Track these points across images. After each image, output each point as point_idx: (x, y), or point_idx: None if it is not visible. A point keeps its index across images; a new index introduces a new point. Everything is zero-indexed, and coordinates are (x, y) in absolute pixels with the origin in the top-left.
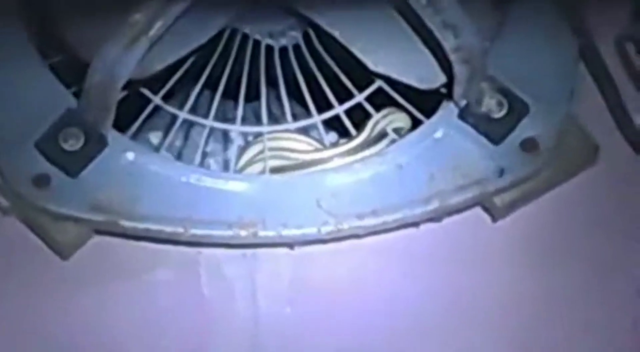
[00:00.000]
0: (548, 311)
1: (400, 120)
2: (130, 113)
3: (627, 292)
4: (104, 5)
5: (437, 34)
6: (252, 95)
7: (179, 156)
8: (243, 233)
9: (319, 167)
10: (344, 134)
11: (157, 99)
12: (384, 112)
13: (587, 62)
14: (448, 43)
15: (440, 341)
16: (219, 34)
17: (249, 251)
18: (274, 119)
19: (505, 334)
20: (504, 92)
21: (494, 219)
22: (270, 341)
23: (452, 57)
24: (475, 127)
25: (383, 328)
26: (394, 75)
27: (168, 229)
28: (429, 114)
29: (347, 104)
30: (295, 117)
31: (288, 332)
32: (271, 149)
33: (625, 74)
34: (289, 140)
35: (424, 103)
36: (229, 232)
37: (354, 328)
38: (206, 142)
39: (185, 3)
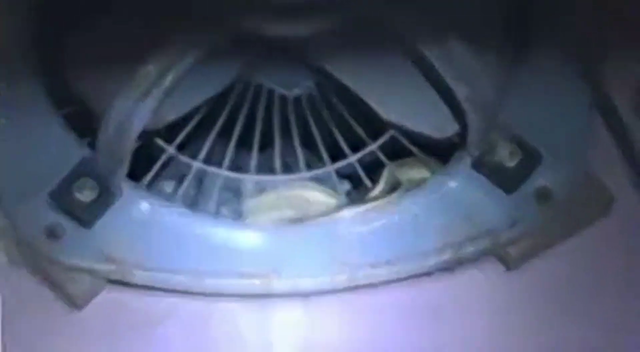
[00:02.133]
0: None
1: (415, 170)
2: (144, 163)
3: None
4: (116, 56)
5: (450, 83)
6: (266, 144)
7: (192, 205)
8: (257, 283)
9: (333, 216)
10: (357, 183)
11: (171, 149)
12: (397, 162)
13: (602, 114)
14: (461, 92)
15: None
16: (233, 84)
17: (262, 302)
18: (288, 168)
19: None
20: (518, 142)
21: (508, 269)
22: None
23: (465, 107)
24: (488, 176)
25: None
26: (407, 124)
27: (182, 279)
28: (442, 162)
29: (361, 153)
30: (308, 167)
31: None
32: (285, 198)
33: None
34: (303, 189)
35: (438, 152)
36: (243, 283)
37: None
38: (220, 192)
39: (198, 53)
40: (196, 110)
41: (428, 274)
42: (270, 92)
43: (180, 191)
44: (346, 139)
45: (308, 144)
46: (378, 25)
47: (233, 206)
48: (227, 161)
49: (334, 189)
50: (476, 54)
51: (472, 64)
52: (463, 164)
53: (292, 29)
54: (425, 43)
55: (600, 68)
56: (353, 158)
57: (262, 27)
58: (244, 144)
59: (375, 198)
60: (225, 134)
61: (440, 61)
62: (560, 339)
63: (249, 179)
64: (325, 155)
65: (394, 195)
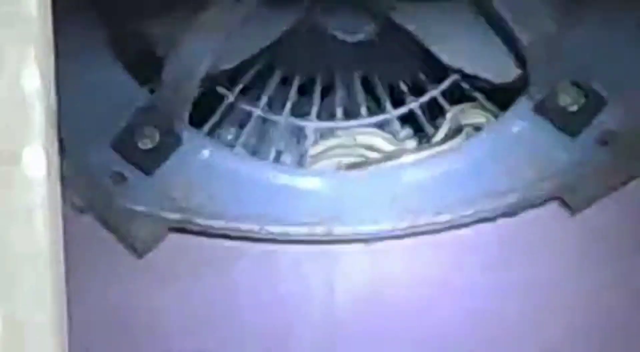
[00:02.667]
0: (629, 300)
1: (476, 115)
2: (205, 110)
3: None
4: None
5: (512, 28)
6: (328, 90)
7: (253, 153)
8: (319, 230)
9: (395, 162)
10: (419, 129)
11: (232, 96)
12: (459, 107)
13: None
14: (523, 37)
15: (520, 334)
16: (295, 29)
17: (325, 247)
18: (349, 114)
19: (585, 326)
20: (580, 85)
21: (572, 213)
22: (348, 337)
23: (527, 51)
24: (551, 121)
25: (460, 323)
26: (469, 69)
27: (244, 226)
28: (505, 108)
29: (422, 99)
30: (370, 113)
31: (366, 328)
32: (346, 145)
33: None
34: (364, 135)
35: (500, 97)
36: (305, 229)
37: (431, 322)
38: (281, 138)
39: None
40: (258, 56)
41: (492, 219)
42: (333, 37)
43: (242, 138)
44: (408, 85)
45: (369, 89)
46: None
47: (294, 152)
48: (288, 107)
49: (395, 134)
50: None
51: (535, 8)
52: (525, 108)
53: None
54: None
55: None
56: (414, 104)
57: None
58: (306, 90)
59: (437, 143)
60: (286, 80)
61: (502, 6)
62: (622, 278)
63: (310, 125)
64: (386, 101)
65: (456, 140)
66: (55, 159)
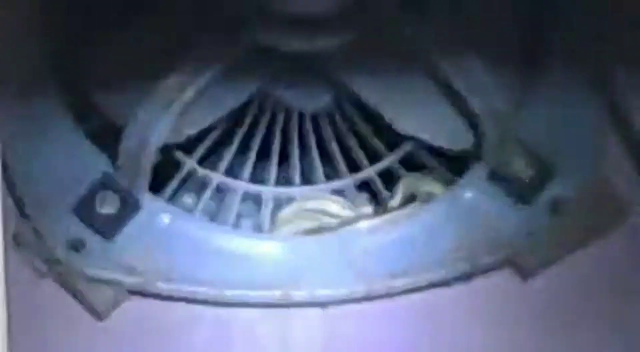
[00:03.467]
0: None
1: (431, 182)
2: (165, 176)
3: None
4: (137, 70)
5: (465, 96)
6: (285, 157)
7: (212, 218)
8: (276, 294)
9: (351, 227)
10: (374, 195)
11: (191, 162)
12: (414, 175)
13: (616, 125)
14: (476, 105)
15: None
16: (252, 98)
17: (282, 311)
18: (306, 180)
19: None
20: (533, 154)
21: (523, 279)
22: None
23: (480, 119)
24: (503, 188)
25: None
26: (424, 137)
27: (202, 290)
28: (459, 176)
29: (378, 166)
30: (327, 179)
31: None
32: (303, 210)
33: None
34: (321, 201)
35: (454, 165)
36: (263, 293)
37: None
38: (240, 205)
39: (217, 67)
40: (216, 124)
41: (445, 284)
42: (289, 107)
43: (201, 204)
44: (365, 153)
45: (326, 156)
46: (395, 39)
47: (253, 218)
48: (246, 174)
49: (351, 201)
50: (492, 68)
51: (488, 77)
52: (478, 175)
53: (310, 43)
54: (441, 57)
55: (614, 80)
56: (371, 170)
57: (279, 41)
58: (263, 157)
59: (392, 210)
60: (244, 147)
61: (456, 75)
62: (577, 347)
63: (268, 192)
64: (343, 168)
65: (411, 206)
66: None
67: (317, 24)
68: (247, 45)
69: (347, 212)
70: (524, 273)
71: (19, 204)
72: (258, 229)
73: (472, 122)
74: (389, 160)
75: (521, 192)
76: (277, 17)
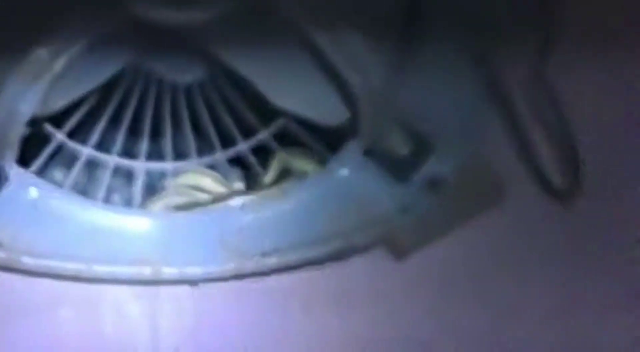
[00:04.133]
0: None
1: (305, 158)
2: (35, 149)
3: (526, 334)
4: (6, 40)
5: (342, 71)
6: (157, 131)
7: (83, 192)
8: (146, 271)
9: (223, 204)
10: (249, 171)
11: (61, 135)
12: (288, 150)
13: (494, 102)
14: (352, 80)
15: None
16: (124, 71)
17: (151, 289)
18: (179, 155)
19: None
20: (410, 130)
21: (398, 258)
22: None
23: (357, 94)
24: (380, 164)
25: None
26: (298, 111)
27: (70, 266)
28: (334, 152)
29: (252, 141)
30: (200, 154)
31: None
32: (175, 186)
33: (531, 112)
34: (193, 176)
35: (330, 141)
36: (132, 270)
37: None
38: (110, 179)
39: (89, 39)
40: (87, 96)
41: (319, 262)
42: (161, 80)
43: (70, 178)
44: (239, 127)
45: (199, 131)
46: (270, 12)
47: (124, 193)
48: (117, 148)
49: (224, 176)
50: (369, 42)
51: (365, 52)
52: (354, 152)
53: (182, 15)
54: (316, 30)
55: (493, 56)
56: (244, 145)
57: (152, 13)
58: (135, 131)
59: (266, 186)
60: (116, 121)
61: (332, 48)
62: (449, 326)
63: (140, 166)
64: (216, 143)
65: (285, 183)
66: None
67: None
68: (119, 17)
69: (219, 188)
70: (399, 252)
71: None
72: (129, 204)
73: (349, 97)
74: (263, 135)
75: (398, 169)
76: None
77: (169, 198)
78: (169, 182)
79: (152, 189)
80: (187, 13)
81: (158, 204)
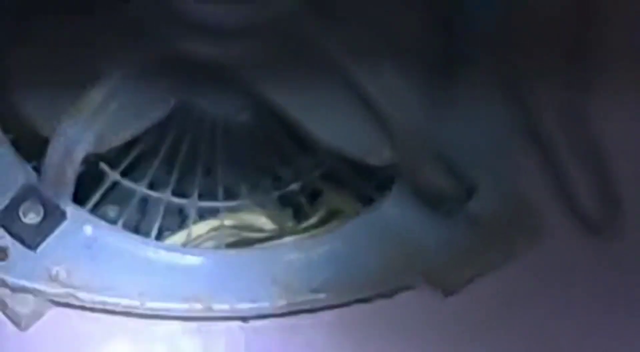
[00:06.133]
0: None
1: (352, 199)
2: (89, 187)
3: None
4: (62, 79)
5: (383, 108)
6: (209, 170)
7: (136, 230)
8: (197, 306)
9: (274, 242)
10: (299, 209)
11: (115, 174)
12: (338, 190)
13: (531, 137)
14: (395, 120)
15: None
16: (177, 111)
17: (203, 325)
18: (230, 194)
19: None
20: (450, 167)
21: (445, 295)
22: None
23: (399, 132)
24: (424, 203)
25: None
26: (345, 150)
27: (124, 301)
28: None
29: (301, 181)
30: (250, 193)
31: None
32: (227, 224)
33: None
34: (245, 215)
35: (375, 180)
36: (184, 306)
37: None
38: (163, 217)
39: (141, 78)
40: (141, 136)
41: (367, 300)
42: (213, 119)
43: (124, 215)
44: (288, 167)
45: (250, 171)
46: (311, 47)
47: (176, 231)
48: (170, 186)
49: (275, 214)
50: (409, 79)
51: (405, 89)
52: (400, 191)
53: (226, 50)
54: (359, 67)
55: (527, 93)
56: (294, 185)
57: (197, 49)
58: (188, 170)
59: (316, 225)
60: (169, 160)
61: (374, 86)
62: None
63: (192, 205)
64: (266, 182)
65: (334, 222)
66: None
67: (233, 31)
68: (166, 53)
69: (271, 226)
70: (445, 289)
71: None
72: (182, 243)
73: (392, 136)
74: (312, 175)
75: (441, 207)
76: (194, 23)
77: (220, 237)
78: (222, 221)
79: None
80: (231, 48)
81: (210, 243)
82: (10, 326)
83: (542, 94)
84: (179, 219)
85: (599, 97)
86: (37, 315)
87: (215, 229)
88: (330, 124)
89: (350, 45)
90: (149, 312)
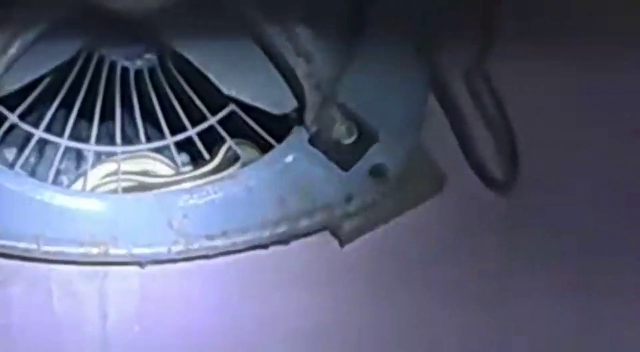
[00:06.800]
0: (391, 336)
1: (252, 146)
2: None
3: (468, 317)
4: None
5: (290, 60)
6: (108, 116)
7: (32, 173)
8: (94, 251)
9: (171, 188)
10: (197, 156)
11: (13, 117)
12: (237, 140)
13: (436, 93)
14: (300, 69)
15: None
16: (77, 55)
17: (100, 269)
18: (128, 139)
19: None
20: (355, 120)
21: (342, 244)
22: None
23: (304, 84)
24: (325, 152)
25: (230, 347)
26: (247, 99)
27: (20, 245)
28: (280, 140)
29: (200, 127)
30: (149, 139)
31: (136, 349)
32: (124, 170)
33: (473, 105)
34: (142, 160)
35: (277, 129)
36: (81, 250)
37: (201, 346)
38: (60, 161)
39: (43, 25)
40: (39, 80)
41: (264, 246)
42: (113, 65)
43: (21, 159)
44: (187, 114)
45: (150, 117)
46: (222, 3)
47: (73, 175)
48: (68, 131)
49: (173, 161)
50: (316, 33)
51: (312, 42)
52: (300, 139)
53: (137, 3)
54: (266, 21)
55: (435, 50)
56: (193, 131)
57: (107, 1)
58: (86, 114)
59: (213, 171)
60: (67, 104)
61: (281, 39)
62: (388, 311)
63: (89, 149)
64: (165, 128)
65: (232, 168)
66: None
67: None
68: (74, 4)
69: (167, 172)
70: (342, 238)
71: None
72: (78, 186)
73: (296, 86)
74: (211, 121)
75: (341, 157)
76: None
77: (118, 181)
78: (119, 166)
79: None
80: (141, 1)
81: (107, 187)
82: None
83: (449, 54)
84: (76, 163)
85: (501, 60)
86: None
87: (112, 174)
88: (235, 76)
89: (264, 5)
90: (45, 256)
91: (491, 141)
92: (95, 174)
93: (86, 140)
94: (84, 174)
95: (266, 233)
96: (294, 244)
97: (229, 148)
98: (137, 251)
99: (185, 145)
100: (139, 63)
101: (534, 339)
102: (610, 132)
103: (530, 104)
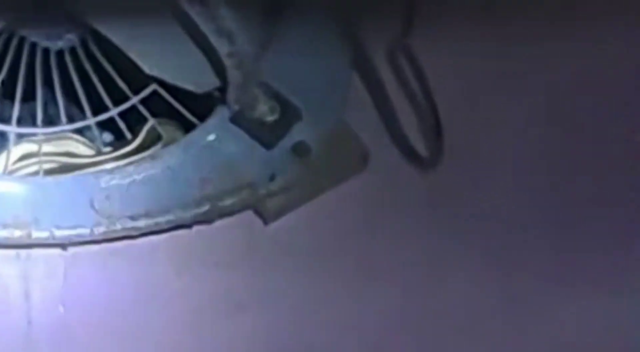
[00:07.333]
0: (315, 314)
1: (174, 125)
2: None
3: (389, 294)
4: None
5: (212, 39)
6: (29, 97)
7: None
8: (17, 233)
9: (93, 169)
10: (120, 136)
11: None
12: (160, 119)
13: (359, 71)
14: (222, 48)
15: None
16: None
17: (22, 251)
18: (50, 120)
19: (268, 335)
20: (277, 98)
21: (265, 222)
22: (43, 340)
23: (226, 62)
24: (247, 131)
25: (157, 327)
26: (169, 78)
27: None
28: (204, 119)
29: (122, 107)
30: (72, 120)
31: (60, 331)
32: (47, 151)
33: (396, 83)
34: (64, 141)
35: (200, 109)
36: (3, 233)
37: (126, 326)
38: None
39: None
40: None
41: (187, 226)
42: (33, 45)
43: None
44: (110, 94)
45: (72, 97)
46: None
47: None
48: None
49: (95, 141)
50: (238, 12)
51: (234, 21)
52: (222, 118)
53: None
54: (188, 1)
55: (358, 27)
56: (114, 111)
57: None
58: (7, 95)
59: (135, 151)
60: None
61: (202, 17)
62: (315, 289)
63: (10, 130)
64: (87, 108)
65: (153, 149)
66: None
67: None
68: None
69: (89, 153)
70: (265, 216)
71: None
72: None
73: (218, 65)
74: (133, 101)
75: (265, 136)
76: None
77: (39, 163)
78: (40, 147)
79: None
80: None
81: (28, 169)
82: None
83: (372, 30)
84: None
85: (424, 37)
86: None
87: (34, 155)
88: (158, 56)
89: None
90: None
91: (415, 118)
92: (16, 155)
93: (8, 121)
94: (6, 155)
95: (189, 213)
96: (218, 223)
97: (152, 128)
98: (59, 232)
99: (109, 126)
100: (60, 43)
101: (456, 315)
102: (530, 110)
103: (453, 81)
